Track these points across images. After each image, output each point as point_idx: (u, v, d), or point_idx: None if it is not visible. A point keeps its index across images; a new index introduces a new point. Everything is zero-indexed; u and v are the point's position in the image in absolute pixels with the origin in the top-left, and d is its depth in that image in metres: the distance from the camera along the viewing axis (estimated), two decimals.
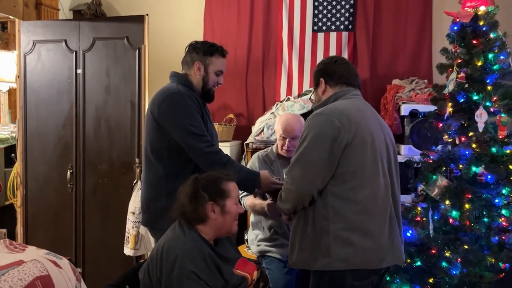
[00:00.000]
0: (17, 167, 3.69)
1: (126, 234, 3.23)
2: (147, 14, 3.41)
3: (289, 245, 2.01)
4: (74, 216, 3.58)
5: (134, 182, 3.32)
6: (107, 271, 3.43)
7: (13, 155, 3.81)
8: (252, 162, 2.86)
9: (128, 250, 3.22)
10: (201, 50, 2.32)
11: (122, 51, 3.44)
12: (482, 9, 2.62)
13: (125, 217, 3.24)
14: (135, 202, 3.18)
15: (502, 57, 2.60)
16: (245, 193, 2.78)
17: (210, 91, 2.36)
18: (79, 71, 3.53)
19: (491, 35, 2.61)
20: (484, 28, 2.60)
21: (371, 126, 1.90)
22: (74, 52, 3.53)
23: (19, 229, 3.69)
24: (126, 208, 3.22)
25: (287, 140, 2.74)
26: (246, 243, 3.12)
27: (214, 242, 1.94)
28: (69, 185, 3.57)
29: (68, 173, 3.57)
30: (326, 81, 2.04)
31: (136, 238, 3.18)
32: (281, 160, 2.83)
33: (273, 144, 3.38)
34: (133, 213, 3.19)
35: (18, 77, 3.66)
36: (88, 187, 3.56)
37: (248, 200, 2.75)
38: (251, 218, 2.94)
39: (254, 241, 2.88)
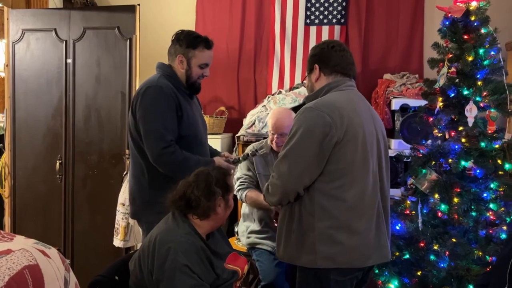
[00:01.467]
0: (5, 157, 3.65)
1: (116, 225, 3.21)
2: (139, 4, 3.37)
3: (276, 238, 2.00)
4: (63, 207, 3.55)
5: (124, 173, 3.30)
6: (96, 263, 3.41)
7: (0, 145, 3.76)
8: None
9: (117, 242, 3.20)
10: (184, 43, 2.26)
11: (113, 41, 3.41)
12: (473, 4, 2.62)
13: (114, 208, 3.21)
14: (125, 193, 3.16)
15: (492, 53, 2.61)
16: (243, 186, 2.78)
17: (194, 84, 2.33)
18: (69, 60, 3.49)
19: (482, 31, 2.61)
20: (475, 24, 2.61)
21: (364, 122, 1.85)
22: (64, 42, 3.49)
23: (7, 220, 3.66)
24: (116, 200, 3.20)
25: (275, 135, 2.73)
26: (236, 235, 3.13)
27: (206, 236, 1.94)
28: (58, 176, 3.54)
29: (57, 163, 3.54)
30: (321, 68, 1.95)
31: (125, 229, 3.16)
32: (275, 153, 2.83)
33: (264, 137, 3.39)
34: (123, 205, 3.16)
35: (7, 66, 3.61)
36: (77, 178, 3.53)
37: (252, 194, 2.74)
38: (242, 209, 2.95)
39: (245, 233, 2.88)
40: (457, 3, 2.66)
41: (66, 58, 3.49)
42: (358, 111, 1.86)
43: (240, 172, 2.86)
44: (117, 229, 3.21)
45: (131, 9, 3.35)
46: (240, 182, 2.81)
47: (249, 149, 2.74)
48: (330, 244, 1.78)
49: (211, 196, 1.87)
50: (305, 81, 2.09)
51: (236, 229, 3.13)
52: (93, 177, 3.50)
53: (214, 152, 2.56)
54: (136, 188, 2.33)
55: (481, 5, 2.62)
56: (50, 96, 3.54)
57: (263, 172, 2.79)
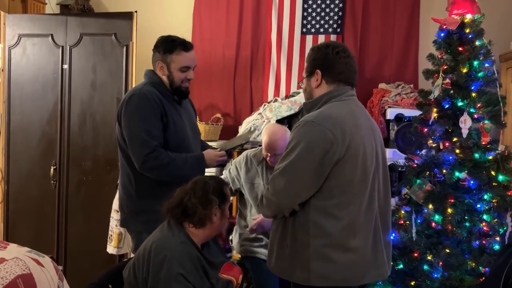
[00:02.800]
0: None
1: (110, 232, 3.20)
2: (136, 11, 3.38)
3: (268, 249, 1.94)
4: (57, 213, 3.54)
5: (119, 180, 3.29)
6: (89, 270, 3.39)
7: None
8: (239, 159, 2.86)
9: (111, 249, 3.19)
10: (162, 49, 2.24)
11: (109, 47, 3.41)
12: (468, 17, 2.65)
13: (108, 215, 3.20)
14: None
15: (486, 65, 2.64)
16: None
17: (180, 88, 2.30)
18: (65, 66, 3.49)
19: (477, 43, 2.64)
20: (470, 36, 2.64)
21: (364, 136, 1.78)
22: (61, 47, 3.49)
23: (0, 226, 3.63)
24: (110, 206, 3.19)
25: (269, 155, 2.71)
26: (230, 243, 3.12)
27: (201, 245, 1.94)
28: (52, 182, 3.53)
29: (52, 169, 3.52)
30: (324, 74, 1.82)
31: (119, 236, 3.15)
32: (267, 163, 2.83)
33: (259, 145, 3.39)
34: (117, 211, 3.14)
35: (2, 70, 3.60)
36: (71, 184, 3.52)
37: None
38: (237, 219, 2.94)
39: (239, 241, 2.88)
40: (452, 16, 2.69)
41: (62, 63, 3.49)
42: (359, 125, 1.79)
43: (228, 174, 2.85)
44: (111, 236, 3.20)
45: (128, 16, 3.36)
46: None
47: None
48: (324, 262, 1.71)
49: (207, 204, 1.87)
50: (301, 83, 1.96)
51: (230, 237, 3.12)
52: (88, 183, 3.49)
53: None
54: (124, 196, 2.33)
55: (475, 18, 2.65)
56: (46, 101, 3.53)
57: (252, 180, 2.76)
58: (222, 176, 2.94)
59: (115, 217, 3.17)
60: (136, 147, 2.16)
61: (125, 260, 2.21)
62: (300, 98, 3.74)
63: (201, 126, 3.73)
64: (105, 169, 3.43)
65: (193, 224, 1.87)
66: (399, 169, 3.07)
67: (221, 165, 2.54)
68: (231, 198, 2.75)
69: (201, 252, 1.87)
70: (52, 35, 3.50)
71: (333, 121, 1.71)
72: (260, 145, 3.35)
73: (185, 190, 1.89)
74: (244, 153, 2.90)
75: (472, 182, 2.54)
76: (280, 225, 1.83)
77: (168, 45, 2.24)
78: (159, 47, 2.26)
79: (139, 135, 2.15)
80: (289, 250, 1.77)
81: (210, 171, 3.49)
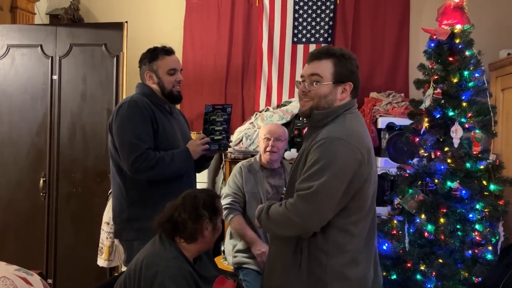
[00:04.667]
0: None
1: (100, 244, 3.16)
2: (126, 21, 3.37)
3: (267, 266, 1.86)
4: (46, 226, 3.48)
5: (109, 191, 3.25)
6: (79, 283, 3.35)
7: None
8: (236, 171, 2.86)
9: (101, 261, 3.14)
10: (147, 60, 2.32)
11: (99, 58, 3.39)
12: (458, 27, 2.68)
13: (99, 227, 3.16)
14: (109, 212, 3.11)
15: (477, 75, 2.66)
16: (229, 208, 2.77)
17: (172, 93, 2.33)
18: (55, 77, 3.46)
19: (467, 53, 2.67)
20: (460, 46, 2.66)
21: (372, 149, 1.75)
22: (50, 58, 3.46)
23: None
24: (100, 218, 3.15)
25: (271, 140, 2.74)
26: (222, 254, 3.10)
27: (194, 260, 1.91)
28: (41, 194, 3.48)
29: (41, 181, 3.48)
30: (353, 88, 1.74)
31: (110, 249, 3.11)
32: (264, 171, 2.84)
33: (251, 155, 3.39)
34: (108, 223, 3.12)
35: None
36: (61, 196, 3.47)
37: (236, 222, 2.75)
38: (229, 228, 2.92)
39: (231, 252, 2.86)
40: (442, 26, 2.71)
41: (51, 74, 3.46)
42: (370, 139, 1.75)
43: (228, 188, 2.85)
44: (102, 248, 3.15)
45: (119, 26, 3.34)
46: (228, 202, 2.79)
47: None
48: (341, 282, 1.67)
49: (198, 219, 1.85)
50: (311, 85, 1.74)
51: (222, 248, 3.10)
52: (78, 195, 3.45)
53: None
54: (116, 206, 2.34)
55: (465, 28, 2.68)
56: (35, 112, 3.49)
57: (251, 190, 2.78)
58: (222, 192, 2.94)
59: (105, 229, 3.13)
60: (126, 151, 2.17)
61: (116, 274, 2.17)
62: (292, 108, 3.74)
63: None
64: (95, 181, 3.39)
65: (184, 239, 1.85)
66: (391, 178, 3.07)
67: (209, 158, 2.48)
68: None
69: (193, 267, 1.85)
70: (41, 45, 3.47)
71: (359, 139, 1.66)
72: (253, 155, 3.35)
73: (175, 205, 1.88)
74: (238, 165, 2.90)
75: (464, 191, 2.55)
76: (289, 244, 1.72)
77: (151, 54, 2.32)
78: (144, 59, 2.34)
79: (129, 140, 2.16)
80: (303, 270, 1.69)
81: (202, 182, 3.48)
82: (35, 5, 3.89)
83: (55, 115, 3.46)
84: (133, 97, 2.27)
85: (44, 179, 3.48)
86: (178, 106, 3.99)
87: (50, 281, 3.43)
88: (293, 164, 1.81)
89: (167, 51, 2.33)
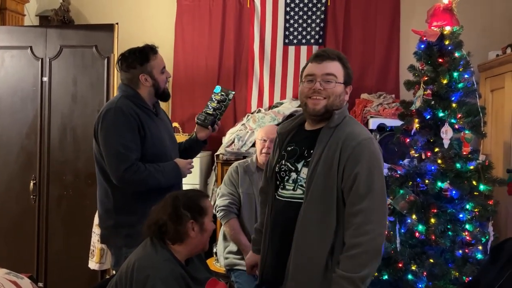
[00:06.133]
0: None
1: (91, 247, 3.15)
2: (117, 23, 3.36)
3: (290, 277, 1.74)
4: (37, 229, 3.46)
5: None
6: (71, 286, 3.33)
7: None
8: (233, 170, 2.86)
9: (93, 264, 3.13)
10: (137, 62, 2.24)
11: (90, 59, 3.38)
12: (447, 29, 2.70)
13: (90, 230, 3.15)
14: None
15: (466, 76, 2.68)
16: (225, 212, 2.77)
17: (164, 91, 2.33)
18: (45, 79, 3.44)
19: (456, 54, 2.69)
20: (449, 47, 2.68)
21: None
22: (40, 60, 3.45)
23: None
24: (92, 221, 3.14)
25: (267, 141, 2.76)
26: (214, 255, 3.09)
27: (185, 262, 1.91)
28: (32, 196, 3.45)
29: (31, 183, 3.45)
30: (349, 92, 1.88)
31: (101, 251, 3.10)
32: (260, 172, 2.84)
33: (243, 156, 3.39)
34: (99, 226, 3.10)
35: None
36: (52, 199, 3.45)
37: (231, 227, 2.76)
38: (222, 229, 2.92)
39: (223, 253, 2.85)
40: (432, 27, 2.73)
41: (41, 76, 3.44)
42: None
43: (224, 188, 2.85)
44: (93, 251, 3.14)
45: (109, 28, 3.33)
46: (225, 204, 2.79)
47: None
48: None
49: (178, 219, 1.83)
50: (321, 81, 1.77)
51: (214, 250, 3.10)
52: (68, 197, 3.43)
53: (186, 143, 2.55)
54: (102, 212, 2.30)
55: (454, 30, 2.70)
56: (25, 115, 3.47)
57: (246, 191, 2.78)
58: (218, 191, 2.93)
59: (96, 232, 3.11)
60: (114, 161, 2.14)
61: (108, 277, 2.16)
62: (283, 109, 3.75)
63: (184, 138, 3.70)
64: (86, 183, 3.38)
65: (170, 241, 1.84)
66: None
67: (202, 143, 2.53)
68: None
69: (185, 269, 1.84)
70: (31, 47, 3.45)
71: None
72: (245, 157, 3.36)
73: (157, 207, 1.87)
74: (234, 164, 2.90)
75: (454, 192, 2.57)
76: (326, 252, 1.68)
77: (141, 56, 2.25)
78: (132, 62, 2.24)
79: (116, 149, 2.13)
80: (330, 273, 1.67)
81: (194, 183, 3.47)
82: (25, 7, 3.86)
83: (45, 117, 3.44)
84: (118, 102, 2.20)
85: (34, 181, 3.45)
86: (170, 107, 4.03)
87: (40, 284, 3.40)
88: (315, 165, 1.72)
89: (155, 50, 2.29)
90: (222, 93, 2.47)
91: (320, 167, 1.71)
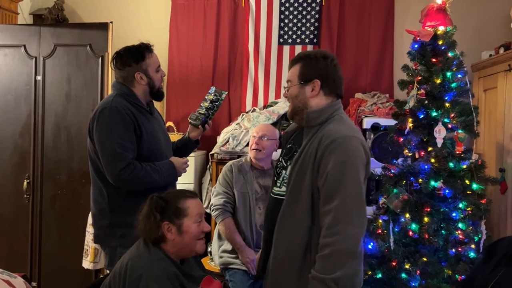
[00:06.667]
0: None
1: (85, 247, 3.14)
2: (111, 22, 3.35)
3: (270, 273, 1.78)
4: (31, 228, 3.45)
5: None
6: (64, 286, 3.32)
7: None
8: (227, 169, 2.87)
9: (87, 264, 3.13)
10: (132, 60, 2.23)
11: (84, 58, 3.37)
12: (441, 29, 2.71)
13: (84, 229, 3.14)
14: None
15: (459, 76, 2.70)
16: (219, 211, 2.77)
17: (159, 89, 2.33)
18: (39, 77, 3.43)
19: (449, 54, 2.70)
20: (443, 47, 2.70)
21: None
22: (34, 58, 3.43)
23: None
24: (86, 220, 3.13)
25: (256, 138, 2.79)
26: (209, 254, 3.09)
27: (180, 260, 1.90)
28: (25, 196, 3.44)
29: (25, 183, 3.44)
30: (322, 86, 1.77)
31: (95, 251, 3.09)
32: (255, 171, 2.85)
33: (238, 156, 3.40)
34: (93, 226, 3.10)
35: None
36: (45, 198, 3.44)
37: (225, 226, 2.76)
38: (217, 228, 2.92)
39: (217, 252, 2.86)
40: (426, 27, 2.74)
41: (35, 75, 3.43)
42: None
43: (219, 187, 2.85)
44: (87, 250, 3.13)
45: (104, 26, 3.32)
46: (220, 203, 2.80)
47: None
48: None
49: (149, 221, 1.81)
50: (287, 88, 1.85)
51: (209, 249, 3.10)
52: (62, 197, 3.41)
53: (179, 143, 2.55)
54: (96, 212, 2.28)
55: (448, 30, 2.72)
56: (18, 114, 3.45)
57: (241, 190, 2.79)
58: (213, 189, 2.93)
59: (90, 231, 3.10)
60: (110, 161, 2.12)
61: (101, 277, 2.15)
62: (278, 108, 3.75)
63: (178, 137, 3.69)
64: (81, 182, 3.37)
65: (154, 241, 1.82)
66: (376, 178, 3.09)
67: (195, 142, 2.55)
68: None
69: (179, 268, 1.84)
70: (24, 45, 3.43)
71: (361, 135, 1.75)
72: (239, 156, 3.36)
73: (141, 207, 1.87)
74: (228, 164, 2.91)
75: (447, 191, 2.58)
76: (300, 250, 1.69)
77: (137, 54, 2.24)
78: (128, 60, 2.23)
79: (112, 149, 2.11)
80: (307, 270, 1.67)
81: (188, 182, 3.47)
82: (18, 5, 3.84)
83: (39, 116, 3.43)
84: (113, 101, 2.19)
85: (28, 181, 3.44)
86: (164, 106, 4.03)
87: (34, 284, 3.39)
88: (296, 167, 1.75)
89: (150, 49, 2.28)
90: (216, 93, 2.50)
91: (298, 165, 1.73)
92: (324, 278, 1.56)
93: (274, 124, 3.66)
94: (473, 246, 2.59)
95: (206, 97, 2.51)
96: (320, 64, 1.78)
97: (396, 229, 2.67)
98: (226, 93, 2.56)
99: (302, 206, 1.69)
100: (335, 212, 1.58)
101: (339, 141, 1.64)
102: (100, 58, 3.34)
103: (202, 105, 2.49)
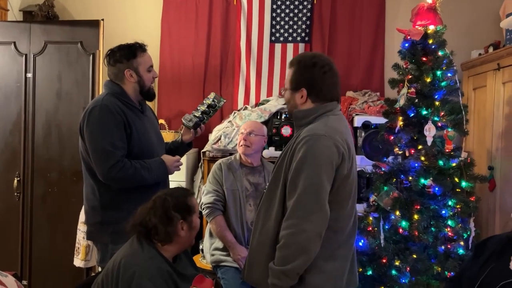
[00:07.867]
0: None
1: (77, 245, 3.13)
2: (103, 19, 3.33)
3: (247, 260, 1.89)
4: (21, 226, 3.43)
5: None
6: (55, 284, 3.31)
7: None
8: (216, 168, 2.87)
9: (78, 262, 3.11)
10: (123, 57, 2.25)
11: (75, 56, 3.35)
12: (431, 28, 2.74)
13: (75, 227, 3.13)
14: None
15: (449, 74, 2.73)
16: (210, 209, 2.78)
17: (150, 90, 2.33)
18: (29, 75, 3.40)
19: (440, 53, 2.73)
20: (433, 46, 2.72)
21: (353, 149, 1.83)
22: (24, 56, 3.40)
23: None
24: (77, 218, 3.12)
25: (244, 134, 2.79)
26: (201, 252, 3.10)
27: (173, 259, 1.91)
28: (16, 194, 3.42)
29: (15, 180, 3.42)
30: (309, 94, 1.80)
31: (86, 249, 3.08)
32: (244, 168, 2.86)
33: (230, 153, 3.40)
34: (84, 224, 3.08)
35: None
36: (36, 196, 3.42)
37: (216, 224, 2.76)
38: (207, 227, 2.93)
39: (209, 250, 2.86)
40: (416, 26, 2.77)
41: (26, 72, 3.40)
42: (351, 137, 1.84)
43: (209, 185, 2.86)
44: (78, 248, 3.12)
45: (95, 24, 3.30)
46: (211, 201, 2.80)
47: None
48: (318, 274, 1.72)
49: (169, 222, 1.84)
50: (283, 91, 1.93)
51: (201, 247, 3.10)
52: (53, 195, 3.40)
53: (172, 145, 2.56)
54: (89, 209, 2.30)
55: (438, 29, 2.74)
56: (8, 111, 3.43)
57: (230, 187, 2.80)
58: (203, 189, 2.94)
59: (82, 229, 3.09)
60: (100, 159, 2.14)
61: (93, 274, 2.15)
62: (270, 106, 3.76)
63: (171, 135, 3.70)
64: (72, 180, 3.35)
65: (159, 241, 1.85)
66: (367, 176, 3.12)
67: (188, 144, 2.58)
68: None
69: (172, 266, 1.85)
70: (14, 42, 3.40)
71: (340, 135, 1.73)
72: (231, 153, 3.36)
73: (146, 209, 1.87)
74: (218, 162, 2.92)
75: (437, 188, 2.61)
76: (270, 238, 1.75)
77: (129, 52, 2.26)
78: (120, 57, 2.25)
79: (103, 147, 2.13)
80: None
81: (180, 180, 3.47)
82: (8, 1, 3.80)
83: (29, 114, 3.40)
84: (104, 99, 2.21)
85: (18, 178, 3.42)
86: (156, 104, 4.02)
87: (25, 282, 3.38)
88: (277, 161, 1.86)
89: (144, 48, 2.30)
90: (214, 99, 2.54)
91: (279, 160, 1.83)
92: (275, 270, 1.66)
93: (266, 122, 3.67)
94: (462, 243, 2.62)
95: (204, 101, 2.53)
96: (308, 73, 1.80)
97: (387, 227, 2.69)
98: (225, 101, 2.60)
99: (273, 201, 1.78)
100: (292, 207, 1.66)
101: (308, 139, 1.69)
102: (91, 55, 3.32)
103: (199, 108, 2.51)
